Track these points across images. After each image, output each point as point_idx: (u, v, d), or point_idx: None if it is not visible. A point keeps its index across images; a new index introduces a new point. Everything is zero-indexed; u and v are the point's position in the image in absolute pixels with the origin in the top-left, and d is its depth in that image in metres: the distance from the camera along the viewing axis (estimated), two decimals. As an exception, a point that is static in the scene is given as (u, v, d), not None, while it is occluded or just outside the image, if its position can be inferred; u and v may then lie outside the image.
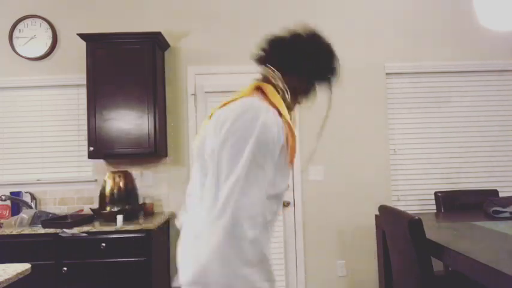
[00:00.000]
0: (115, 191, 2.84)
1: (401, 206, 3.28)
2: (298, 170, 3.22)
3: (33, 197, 3.12)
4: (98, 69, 2.93)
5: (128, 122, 2.92)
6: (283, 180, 1.09)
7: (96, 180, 3.19)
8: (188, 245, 1.04)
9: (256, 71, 1.20)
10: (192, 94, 3.24)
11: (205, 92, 3.24)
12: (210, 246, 0.91)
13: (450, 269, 2.67)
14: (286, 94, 1.13)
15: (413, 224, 1.94)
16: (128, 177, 2.92)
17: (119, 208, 2.78)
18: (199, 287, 0.93)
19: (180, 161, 3.22)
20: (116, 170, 3.19)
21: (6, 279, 1.45)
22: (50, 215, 2.85)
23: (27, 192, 3.14)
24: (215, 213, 0.93)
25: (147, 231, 2.60)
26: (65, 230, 2.56)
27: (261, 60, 1.19)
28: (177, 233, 3.17)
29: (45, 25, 3.22)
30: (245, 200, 0.93)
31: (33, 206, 3.09)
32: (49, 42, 3.21)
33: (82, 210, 3.14)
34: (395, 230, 2.17)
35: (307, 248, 3.22)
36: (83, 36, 2.93)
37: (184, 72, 3.26)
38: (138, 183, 3.19)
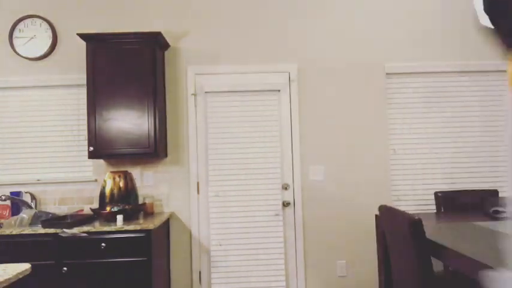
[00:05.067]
0: (115, 191, 2.84)
1: (401, 206, 3.29)
2: (298, 170, 3.22)
3: (33, 197, 3.12)
4: (98, 69, 2.93)
5: (128, 122, 2.92)
6: None
7: (96, 180, 3.19)
8: None
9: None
10: (192, 94, 3.24)
11: (205, 92, 3.24)
12: None
13: (450, 269, 2.67)
14: None
15: (414, 224, 1.94)
16: (127, 177, 2.92)
17: (119, 208, 2.78)
18: None
19: (180, 161, 3.22)
20: (116, 170, 3.19)
21: (6, 279, 1.45)
22: (50, 215, 2.84)
23: (27, 192, 3.14)
24: None
25: (147, 231, 2.60)
26: (65, 230, 2.56)
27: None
28: (177, 232, 3.18)
29: (45, 25, 3.22)
30: None
31: (33, 206, 3.09)
32: (49, 42, 3.21)
33: (82, 210, 3.14)
34: (395, 230, 2.17)
35: (307, 248, 3.22)
36: (83, 36, 2.93)
37: (184, 72, 3.26)
38: (138, 183, 3.19)
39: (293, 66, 3.26)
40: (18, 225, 2.69)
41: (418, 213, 2.88)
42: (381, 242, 2.70)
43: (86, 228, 2.58)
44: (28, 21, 3.22)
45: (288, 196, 3.23)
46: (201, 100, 3.24)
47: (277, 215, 3.20)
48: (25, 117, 3.23)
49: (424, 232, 1.94)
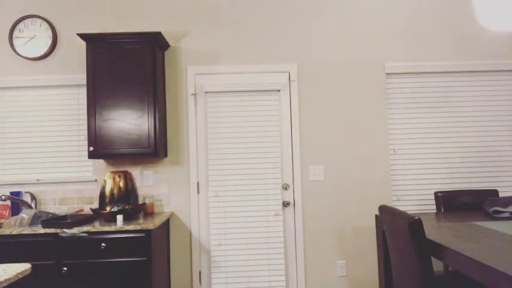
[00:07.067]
0: (115, 191, 2.84)
1: (401, 206, 3.29)
2: (298, 170, 3.22)
3: (33, 197, 3.12)
4: (98, 69, 2.93)
5: (128, 122, 2.92)
6: None
7: (96, 180, 3.19)
8: None
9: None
10: (192, 94, 3.24)
11: (205, 92, 3.24)
12: None
13: (450, 269, 2.67)
14: None
15: (414, 224, 1.94)
16: (127, 177, 2.92)
17: (119, 208, 2.78)
18: None
19: (180, 161, 3.22)
20: (116, 170, 3.19)
21: (6, 279, 1.45)
22: (50, 215, 2.84)
23: (27, 192, 3.14)
24: None
25: (147, 231, 2.60)
26: (65, 230, 2.56)
27: None
28: (177, 232, 3.18)
29: (45, 25, 3.22)
30: None
31: (33, 206, 3.09)
32: (49, 42, 3.21)
33: (82, 210, 3.14)
34: (395, 230, 2.17)
35: (307, 248, 3.22)
36: (83, 36, 2.93)
37: (184, 72, 3.26)
38: (138, 183, 3.19)
39: (293, 66, 3.26)
40: (18, 225, 2.69)
41: (418, 213, 2.88)
42: (381, 242, 2.70)
43: (86, 228, 2.58)
44: (28, 21, 3.22)
45: (288, 196, 3.23)
46: (201, 100, 3.25)
47: (277, 215, 3.21)
48: (25, 117, 3.23)
49: (424, 232, 1.94)
